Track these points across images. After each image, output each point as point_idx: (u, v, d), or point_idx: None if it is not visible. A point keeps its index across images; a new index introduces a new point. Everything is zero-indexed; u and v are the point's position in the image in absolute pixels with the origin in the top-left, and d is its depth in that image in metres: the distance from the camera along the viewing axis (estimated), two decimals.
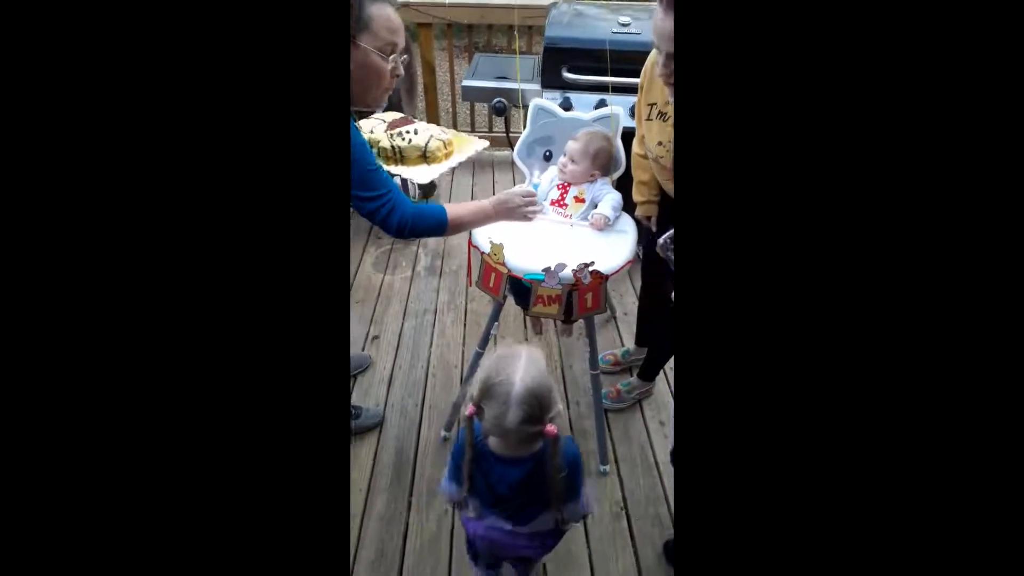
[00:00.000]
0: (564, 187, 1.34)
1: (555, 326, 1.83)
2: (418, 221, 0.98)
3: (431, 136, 1.64)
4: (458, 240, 2.21)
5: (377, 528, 1.33)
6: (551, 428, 0.79)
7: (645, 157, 1.27)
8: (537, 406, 0.77)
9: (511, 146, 1.45)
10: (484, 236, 1.18)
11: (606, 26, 1.83)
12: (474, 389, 0.81)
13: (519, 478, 0.84)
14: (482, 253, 1.16)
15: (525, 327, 1.88)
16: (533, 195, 1.15)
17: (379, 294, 2.03)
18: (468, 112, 2.87)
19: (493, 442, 0.85)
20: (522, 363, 0.79)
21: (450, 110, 2.85)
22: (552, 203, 1.33)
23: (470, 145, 1.72)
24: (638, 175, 1.33)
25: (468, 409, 0.81)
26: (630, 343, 1.80)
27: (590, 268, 1.07)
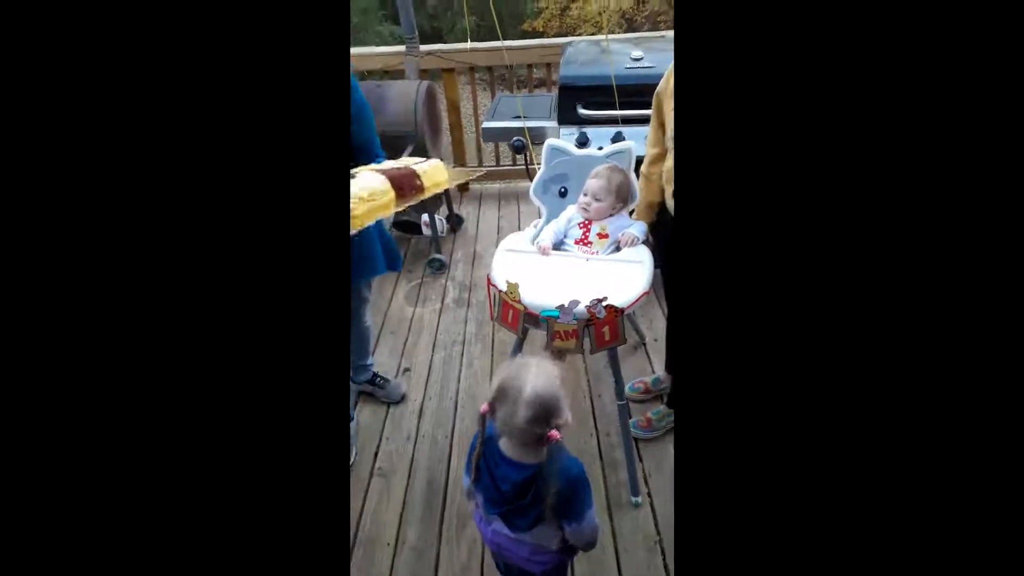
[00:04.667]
0: (586, 225, 1.38)
1: (583, 359, 1.84)
2: None
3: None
4: (484, 272, 2.28)
5: (410, 558, 1.36)
6: (555, 433, 0.86)
7: (649, 179, 1.38)
8: (543, 409, 0.85)
9: (531, 179, 1.51)
10: (501, 275, 1.23)
11: (620, 61, 1.89)
12: (490, 390, 0.91)
13: (520, 479, 0.90)
14: (499, 291, 1.21)
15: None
16: None
17: (410, 327, 2.11)
18: (493, 148, 2.97)
19: (503, 442, 0.93)
20: (532, 371, 0.88)
21: (475, 148, 2.98)
22: (576, 242, 1.37)
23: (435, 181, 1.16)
24: (646, 197, 1.38)
25: (483, 407, 0.90)
26: (661, 370, 1.79)
27: (604, 303, 1.10)
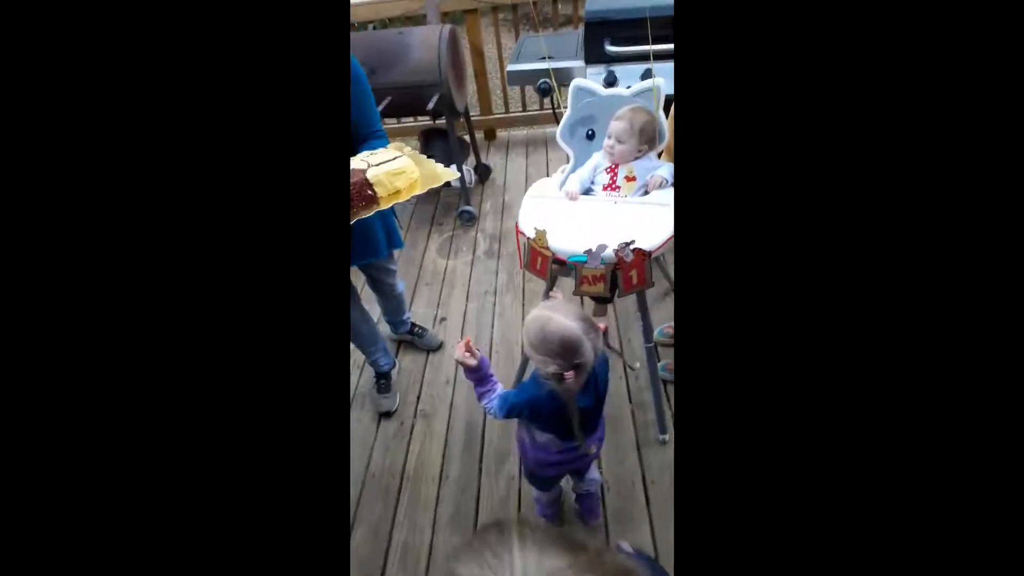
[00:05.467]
0: (613, 169, 1.36)
1: (614, 307, 1.86)
2: None
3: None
4: (513, 223, 2.29)
5: (453, 490, 1.48)
6: (600, 324, 0.95)
7: None
8: (592, 330, 0.91)
9: (559, 123, 1.48)
10: (529, 223, 1.25)
11: None
12: (549, 365, 0.92)
13: (590, 404, 1.00)
14: (527, 239, 1.23)
15: (582, 303, 1.93)
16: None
17: (444, 278, 2.17)
18: (519, 93, 2.89)
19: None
20: (559, 317, 0.91)
21: (501, 92, 2.90)
22: (604, 188, 1.36)
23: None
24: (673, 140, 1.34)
25: (569, 375, 0.91)
26: None
27: (631, 246, 1.10)
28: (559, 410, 0.98)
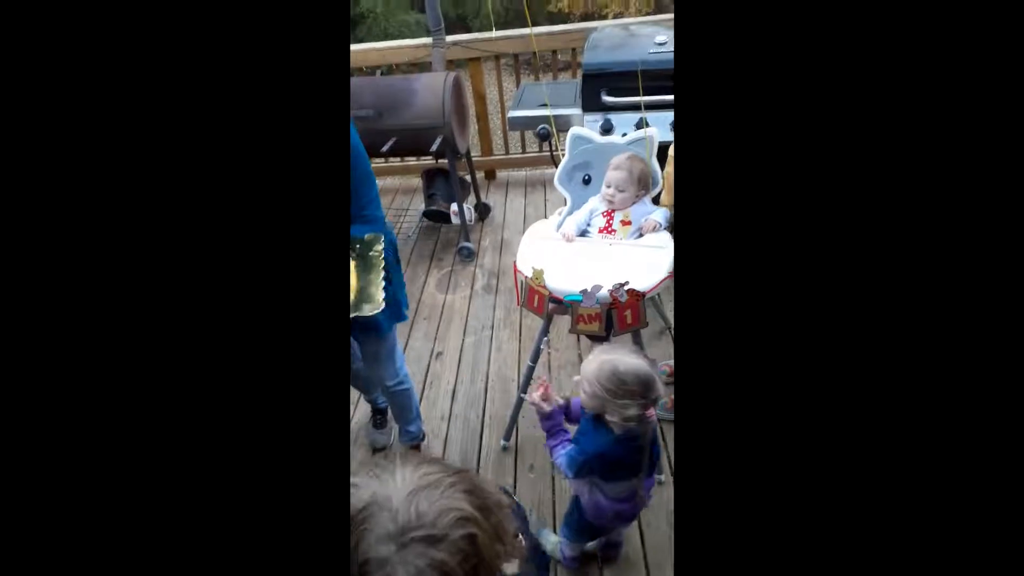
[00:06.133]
0: (609, 213, 1.41)
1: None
2: None
3: None
4: (511, 259, 2.34)
5: None
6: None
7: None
8: (650, 360, 0.95)
9: (557, 166, 1.55)
10: (526, 262, 1.29)
11: (644, 45, 1.88)
12: (630, 408, 0.92)
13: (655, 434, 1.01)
14: (525, 277, 1.27)
15: (579, 341, 1.95)
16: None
17: (442, 313, 2.20)
18: (519, 136, 3.00)
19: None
20: (620, 356, 0.93)
21: (501, 134, 3.01)
22: (600, 231, 1.41)
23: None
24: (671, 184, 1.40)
25: (651, 413, 0.94)
26: None
27: (626, 287, 1.14)
28: (632, 450, 0.96)
